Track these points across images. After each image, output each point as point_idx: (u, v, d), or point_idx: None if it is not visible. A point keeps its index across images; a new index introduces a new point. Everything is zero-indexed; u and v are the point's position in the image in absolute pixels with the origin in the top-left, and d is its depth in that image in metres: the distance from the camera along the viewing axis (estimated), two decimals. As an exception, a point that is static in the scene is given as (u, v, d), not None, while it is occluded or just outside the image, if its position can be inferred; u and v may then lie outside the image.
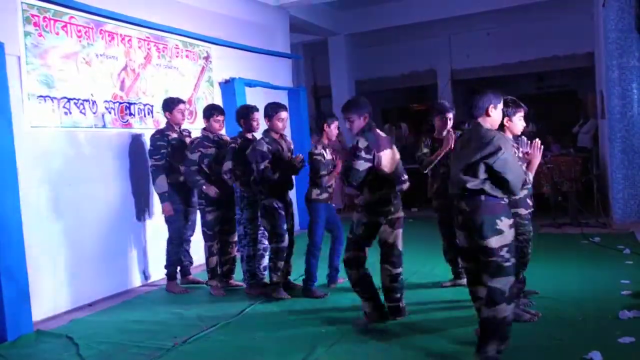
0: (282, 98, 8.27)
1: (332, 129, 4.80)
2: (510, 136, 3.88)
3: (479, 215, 3.12)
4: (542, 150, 3.77)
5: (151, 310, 4.63)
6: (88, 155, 5.03)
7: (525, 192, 3.87)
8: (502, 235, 3.10)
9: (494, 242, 3.10)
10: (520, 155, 3.83)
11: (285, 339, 3.82)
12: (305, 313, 4.36)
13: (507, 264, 3.10)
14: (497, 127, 3.29)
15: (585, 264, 5.37)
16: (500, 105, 3.28)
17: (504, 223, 3.11)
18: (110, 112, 5.29)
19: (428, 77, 11.99)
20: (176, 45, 6.20)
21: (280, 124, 4.71)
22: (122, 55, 5.46)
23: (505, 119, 3.85)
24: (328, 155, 4.77)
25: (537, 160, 3.75)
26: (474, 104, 3.27)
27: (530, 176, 3.74)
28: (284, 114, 4.72)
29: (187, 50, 6.36)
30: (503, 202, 3.14)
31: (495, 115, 3.26)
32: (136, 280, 5.39)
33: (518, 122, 3.86)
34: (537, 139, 3.81)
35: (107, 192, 5.18)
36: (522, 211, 3.87)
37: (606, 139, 7.65)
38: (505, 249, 3.09)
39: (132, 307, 4.77)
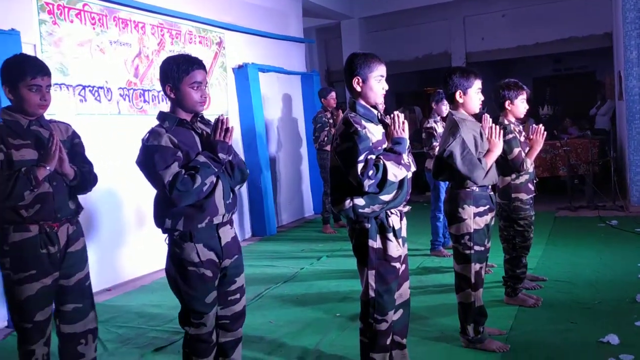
0: (295, 83, 8.27)
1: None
2: (513, 119, 3.85)
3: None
4: (544, 136, 3.74)
5: (169, 295, 4.64)
6: (104, 142, 5.07)
7: (526, 177, 3.85)
8: (463, 223, 3.11)
9: (454, 229, 3.16)
10: (523, 139, 3.80)
11: (299, 322, 3.85)
12: (319, 298, 4.39)
13: (468, 251, 3.12)
14: (472, 110, 3.17)
15: (602, 248, 5.33)
16: (473, 88, 3.13)
17: (466, 211, 3.10)
18: (124, 99, 5.32)
19: (442, 60, 11.85)
20: (189, 31, 6.20)
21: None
22: (135, 42, 5.47)
23: (507, 102, 3.82)
24: None
25: (538, 146, 3.73)
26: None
27: (529, 162, 3.71)
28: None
29: (200, 36, 6.36)
30: (469, 190, 3.10)
31: (466, 100, 3.14)
32: (153, 265, 5.47)
33: (520, 105, 3.83)
34: (540, 125, 3.78)
35: (123, 179, 5.23)
36: (524, 196, 3.86)
37: (624, 121, 7.54)
38: (467, 237, 3.11)
39: (150, 292, 4.83)
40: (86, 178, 2.64)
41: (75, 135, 2.71)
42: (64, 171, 2.51)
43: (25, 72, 2.43)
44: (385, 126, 2.63)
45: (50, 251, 2.49)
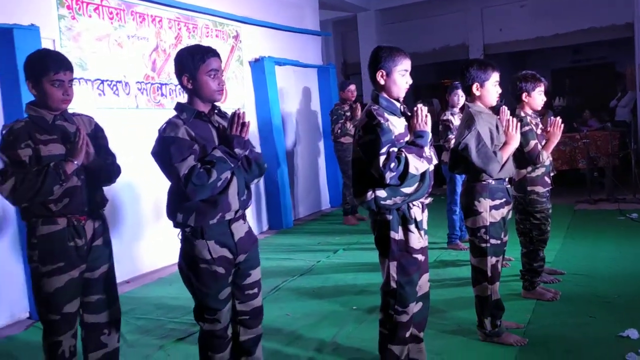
0: (312, 76, 8.26)
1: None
2: (530, 111, 3.82)
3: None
4: (561, 129, 3.69)
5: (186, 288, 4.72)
6: (122, 136, 5.12)
7: (542, 170, 3.81)
8: (479, 216, 3.10)
9: (470, 222, 3.15)
10: (539, 132, 3.76)
11: (316, 315, 3.87)
12: (335, 291, 4.40)
13: (484, 245, 3.11)
14: (489, 103, 3.16)
15: (621, 241, 5.27)
16: (491, 81, 3.12)
17: (482, 204, 3.09)
18: (142, 93, 5.36)
19: (460, 52, 11.74)
20: (206, 25, 6.22)
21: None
22: (152, 36, 5.51)
23: (524, 94, 3.78)
24: None
25: (555, 138, 3.68)
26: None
27: (545, 155, 3.67)
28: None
29: (217, 30, 6.37)
30: (485, 183, 3.09)
31: (483, 93, 3.13)
32: (171, 258, 5.50)
33: (538, 97, 3.79)
34: (558, 117, 3.73)
35: (141, 173, 5.27)
36: (540, 189, 3.83)
37: (645, 113, 7.42)
38: (483, 230, 3.10)
39: (168, 284, 4.89)
40: (110, 170, 2.65)
41: (98, 127, 2.71)
42: (90, 165, 2.51)
43: (48, 67, 2.42)
44: (408, 119, 2.63)
45: (77, 244, 2.50)
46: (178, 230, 2.45)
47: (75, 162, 2.42)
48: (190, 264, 2.40)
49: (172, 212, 2.39)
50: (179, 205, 2.34)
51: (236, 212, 2.41)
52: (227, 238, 2.40)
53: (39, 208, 2.44)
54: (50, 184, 2.36)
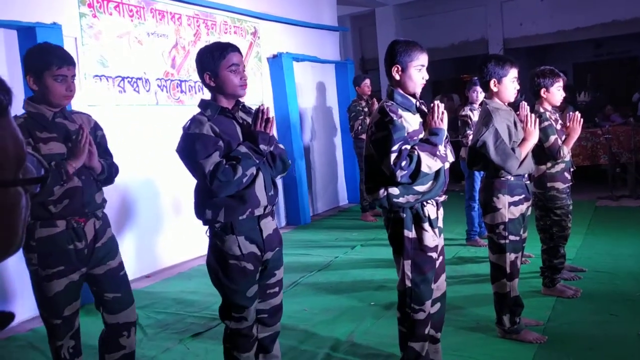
0: (330, 72, 8.25)
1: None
2: (549, 107, 3.78)
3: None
4: (581, 124, 3.65)
5: (206, 282, 4.72)
6: (143, 133, 5.18)
7: (562, 165, 3.77)
8: (497, 213, 3.08)
9: (489, 219, 3.13)
10: (559, 127, 3.72)
11: (334, 310, 3.88)
12: (353, 286, 4.41)
13: (503, 241, 3.08)
14: (507, 99, 3.12)
15: (644, 238, 5.19)
16: (509, 77, 3.08)
17: (501, 201, 3.07)
18: (162, 90, 5.41)
19: (479, 47, 11.62)
20: (224, 21, 6.25)
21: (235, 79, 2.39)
22: (172, 33, 5.55)
23: (543, 90, 3.74)
24: None
25: (575, 134, 3.65)
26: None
27: (566, 150, 3.63)
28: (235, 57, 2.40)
29: (235, 27, 6.40)
30: (504, 179, 3.07)
31: (500, 89, 3.09)
32: (191, 253, 5.58)
33: (556, 93, 3.75)
34: (577, 112, 3.69)
35: (161, 169, 5.33)
36: (560, 185, 3.79)
37: (669, 108, 7.29)
38: (502, 226, 3.07)
39: (188, 279, 4.93)
40: (110, 170, 2.62)
41: (97, 126, 2.65)
42: (92, 165, 2.45)
43: (51, 62, 2.33)
44: (423, 115, 2.58)
45: (77, 247, 2.42)
46: (198, 224, 2.44)
47: (78, 162, 2.37)
48: (219, 260, 2.36)
49: (200, 210, 2.37)
50: (207, 202, 2.32)
51: (265, 207, 2.39)
52: (256, 234, 2.37)
53: (38, 209, 2.33)
54: (51, 184, 2.27)
